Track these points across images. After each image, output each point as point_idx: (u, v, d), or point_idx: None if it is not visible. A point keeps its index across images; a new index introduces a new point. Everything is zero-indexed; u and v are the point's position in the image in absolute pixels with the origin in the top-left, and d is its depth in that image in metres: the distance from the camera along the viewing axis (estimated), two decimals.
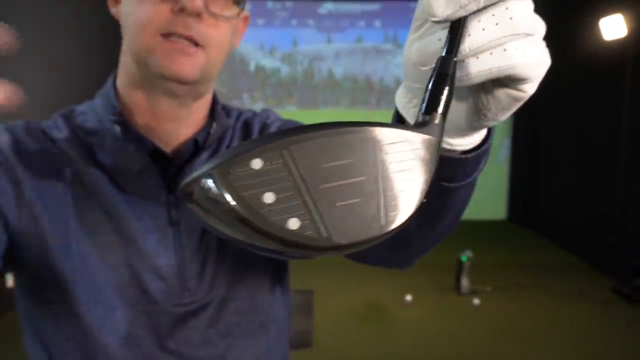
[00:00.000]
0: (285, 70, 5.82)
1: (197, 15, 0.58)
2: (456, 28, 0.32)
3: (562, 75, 4.72)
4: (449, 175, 0.46)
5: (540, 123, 5.41)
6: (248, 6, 0.67)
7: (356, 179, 0.26)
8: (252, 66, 5.79)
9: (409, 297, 3.40)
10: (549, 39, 0.35)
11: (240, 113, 0.77)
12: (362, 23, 5.78)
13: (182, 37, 0.58)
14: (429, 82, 0.33)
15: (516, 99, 0.36)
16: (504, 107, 0.37)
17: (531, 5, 0.34)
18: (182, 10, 0.58)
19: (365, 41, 5.78)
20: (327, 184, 0.26)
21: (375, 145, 0.27)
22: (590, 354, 2.76)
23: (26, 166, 0.60)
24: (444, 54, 0.33)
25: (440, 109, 0.32)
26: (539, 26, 0.34)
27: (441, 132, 0.31)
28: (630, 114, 3.85)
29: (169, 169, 0.65)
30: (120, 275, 0.62)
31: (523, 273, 3.97)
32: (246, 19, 0.71)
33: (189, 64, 0.59)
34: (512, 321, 3.15)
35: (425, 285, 3.68)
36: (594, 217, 4.25)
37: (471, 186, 0.49)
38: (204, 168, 0.25)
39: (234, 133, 0.74)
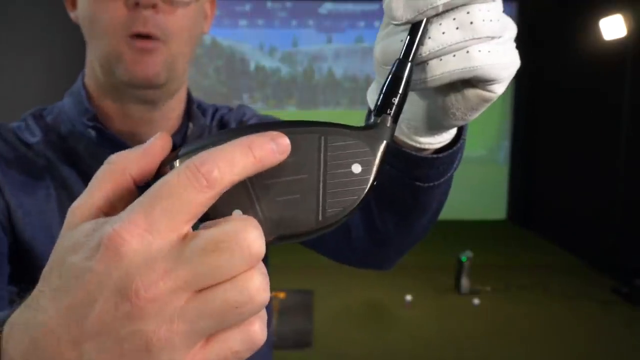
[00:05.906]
0: (285, 70, 5.81)
1: (152, 6, 0.56)
2: (416, 31, 0.33)
3: (562, 75, 4.72)
4: (422, 175, 0.45)
5: (540, 123, 5.40)
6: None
7: (298, 177, 0.28)
8: (252, 66, 5.78)
9: (409, 297, 3.40)
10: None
11: (215, 110, 0.76)
12: (362, 23, 5.77)
13: (143, 36, 0.57)
14: (383, 84, 0.33)
15: (485, 100, 0.37)
16: (473, 107, 0.37)
17: (498, 7, 0.33)
18: (137, 4, 0.56)
19: (365, 41, 5.77)
20: (271, 180, 0.28)
21: (319, 146, 0.29)
22: (590, 354, 2.76)
23: (4, 173, 0.58)
24: (400, 57, 0.33)
25: (391, 112, 0.32)
26: (507, 28, 0.34)
27: (391, 135, 0.31)
28: (630, 114, 3.85)
29: None
30: None
31: (523, 273, 3.97)
32: (213, 1, 0.69)
33: (151, 63, 0.58)
34: (512, 321, 3.14)
35: (425, 285, 3.68)
36: (594, 217, 4.25)
37: (447, 185, 0.49)
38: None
39: (210, 134, 0.72)
